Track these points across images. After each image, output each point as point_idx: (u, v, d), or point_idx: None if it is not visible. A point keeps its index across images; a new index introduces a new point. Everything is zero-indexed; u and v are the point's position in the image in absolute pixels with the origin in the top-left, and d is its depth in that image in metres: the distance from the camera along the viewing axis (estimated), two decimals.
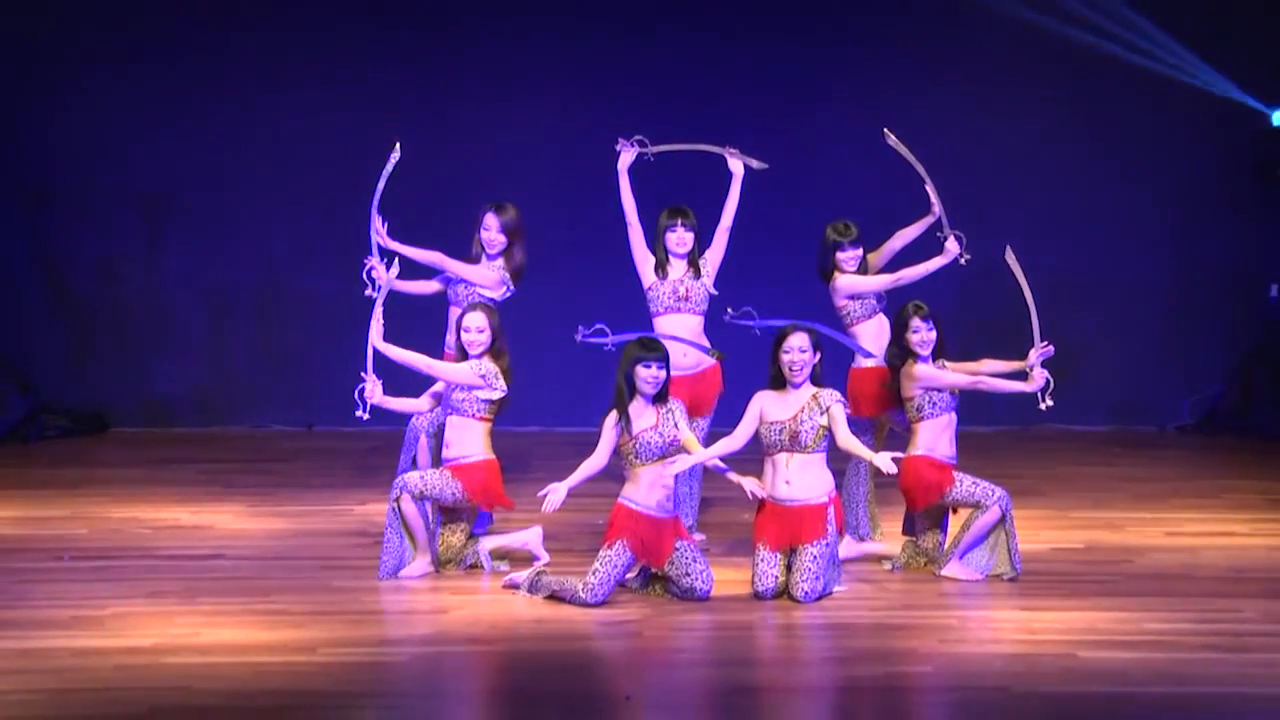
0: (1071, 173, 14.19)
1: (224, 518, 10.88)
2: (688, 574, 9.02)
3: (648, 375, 9.03)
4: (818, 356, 9.18)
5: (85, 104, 13.91)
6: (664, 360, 9.07)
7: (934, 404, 9.56)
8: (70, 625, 8.50)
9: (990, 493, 9.48)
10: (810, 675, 8.18)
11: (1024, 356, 9.55)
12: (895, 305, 9.82)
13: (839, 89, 13.91)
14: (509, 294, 10.18)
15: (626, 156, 10.20)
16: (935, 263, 10.01)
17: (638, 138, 10.20)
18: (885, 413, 9.96)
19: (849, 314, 10.06)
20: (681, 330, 10.03)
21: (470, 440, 9.54)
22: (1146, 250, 14.26)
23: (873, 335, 10.01)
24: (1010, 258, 9.65)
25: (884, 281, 10.03)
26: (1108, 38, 13.75)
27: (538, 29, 13.97)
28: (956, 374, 9.61)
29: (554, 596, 9.06)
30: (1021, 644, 8.36)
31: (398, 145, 9.82)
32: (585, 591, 8.94)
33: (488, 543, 9.73)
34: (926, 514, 9.69)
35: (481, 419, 9.54)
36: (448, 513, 9.66)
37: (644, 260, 10.18)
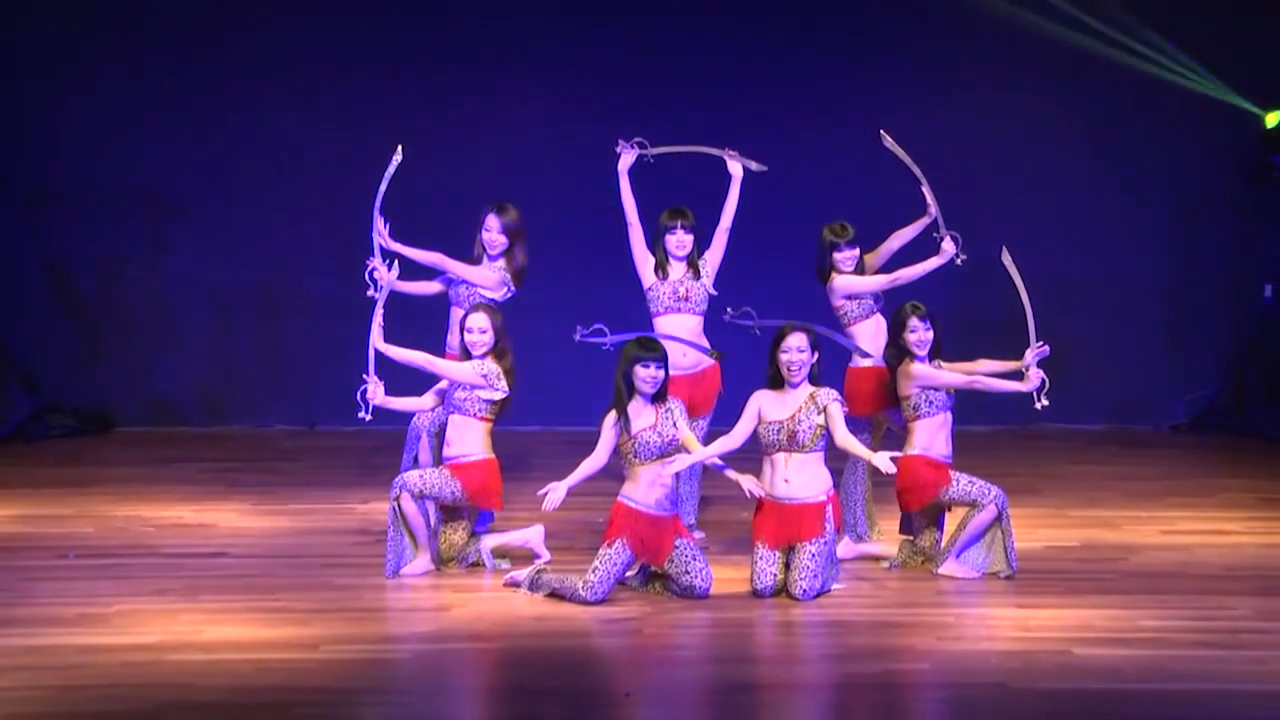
0: (1067, 174, 14.21)
1: (227, 516, 10.91)
2: (687, 572, 9.07)
3: (646, 375, 9.07)
4: (816, 356, 9.22)
5: (90, 106, 13.93)
6: (662, 360, 9.12)
7: (930, 403, 9.61)
8: (76, 623, 8.54)
9: (986, 491, 9.53)
10: (809, 672, 8.20)
11: (1020, 356, 9.60)
12: (892, 305, 9.87)
13: (837, 91, 13.92)
14: (510, 294, 10.21)
15: (627, 158, 10.24)
16: (932, 263, 10.05)
17: (638, 139, 10.25)
18: (882, 412, 10.00)
19: (846, 314, 10.11)
20: (681, 330, 10.07)
21: (470, 439, 9.58)
22: (1141, 251, 14.28)
23: (870, 335, 10.06)
24: (1006, 258, 9.70)
25: (881, 282, 10.08)
26: (1103, 40, 13.78)
27: (538, 31, 13.99)
28: (953, 373, 9.65)
29: (554, 594, 9.10)
30: (1018, 641, 8.39)
31: (399, 149, 9.85)
32: (585, 589, 8.99)
33: (489, 541, 9.76)
34: (923, 513, 9.73)
35: (482, 419, 9.59)
36: (449, 511, 9.70)
37: (644, 261, 10.22)
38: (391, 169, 9.85)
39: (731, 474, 9.07)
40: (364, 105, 13.82)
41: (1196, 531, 10.62)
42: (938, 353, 9.67)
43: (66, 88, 13.92)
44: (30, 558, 9.85)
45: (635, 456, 9.04)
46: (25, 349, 13.94)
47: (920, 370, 9.58)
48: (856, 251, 10.08)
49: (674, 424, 9.08)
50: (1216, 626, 8.62)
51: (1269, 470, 12.52)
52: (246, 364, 14.25)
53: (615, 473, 9.29)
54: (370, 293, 9.67)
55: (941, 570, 9.55)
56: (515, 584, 9.29)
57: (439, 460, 9.88)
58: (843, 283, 10.07)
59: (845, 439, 9.16)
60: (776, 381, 9.23)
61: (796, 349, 9.15)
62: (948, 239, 10.04)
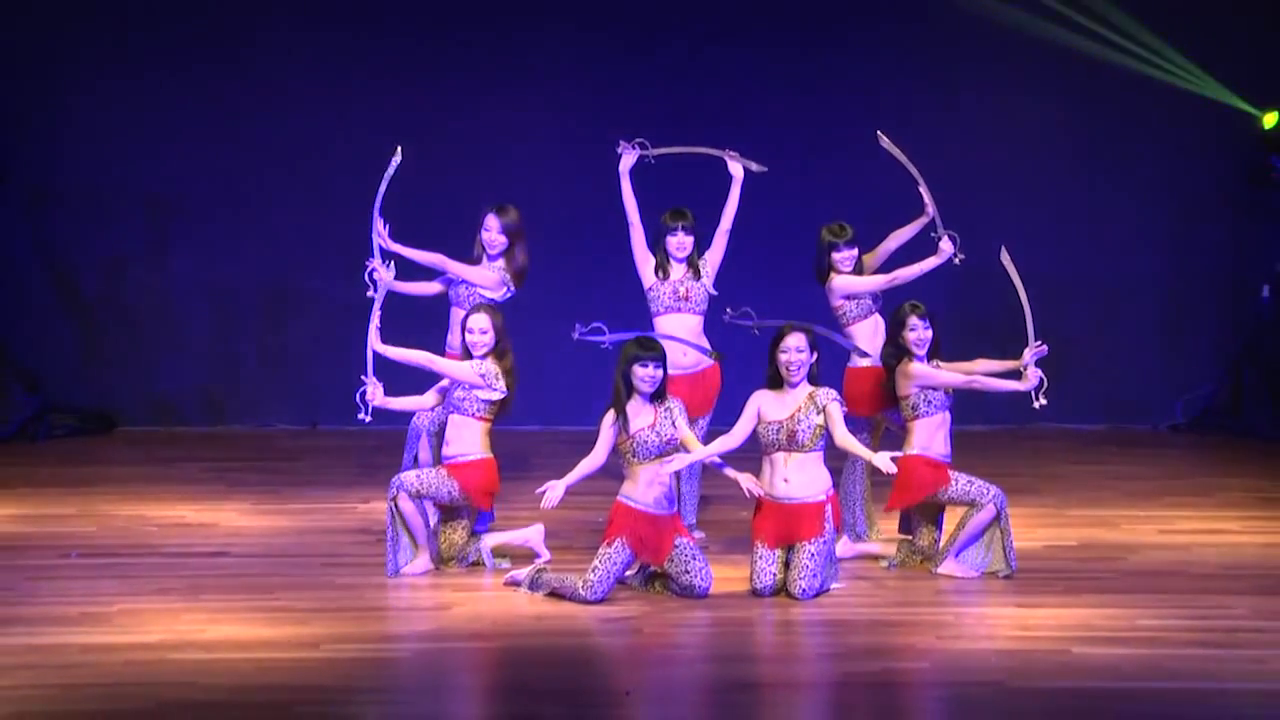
0: (1065, 174, 14.21)
1: (229, 515, 10.93)
2: (687, 571, 9.09)
3: (645, 374, 9.09)
4: (815, 356, 9.25)
5: (92, 105, 13.93)
6: (661, 360, 9.13)
7: (929, 403, 9.63)
8: (78, 622, 8.56)
9: (985, 491, 9.55)
10: (808, 671, 8.22)
11: (1018, 356, 9.63)
12: (890, 305, 9.89)
13: (836, 92, 13.93)
14: (510, 295, 10.23)
15: (628, 159, 10.25)
16: (930, 263, 10.07)
17: (639, 140, 10.27)
18: (881, 412, 10.03)
19: (845, 314, 10.13)
20: (681, 330, 10.09)
21: (469, 439, 9.60)
22: (1140, 251, 14.29)
23: (868, 335, 10.08)
24: (1005, 258, 9.72)
25: (879, 282, 10.10)
26: (1101, 41, 13.79)
27: (539, 32, 13.99)
28: (952, 373, 9.67)
29: (554, 593, 9.11)
30: (1017, 640, 8.41)
31: (399, 150, 9.87)
32: (585, 589, 9.01)
33: (489, 540, 9.79)
34: (922, 512, 9.76)
35: (481, 418, 9.60)
36: (448, 510, 9.72)
37: (644, 261, 10.24)
38: (391, 170, 9.86)
39: (730, 472, 9.09)
40: (366, 106, 13.82)
41: (1195, 531, 10.64)
42: (936, 352, 9.70)
43: (68, 87, 13.92)
44: (32, 557, 9.87)
45: (634, 456, 9.06)
46: (27, 348, 13.94)
47: (919, 369, 9.60)
48: (855, 251, 10.10)
49: (673, 423, 9.10)
50: (1215, 625, 8.63)
51: (1267, 470, 12.52)
52: (248, 364, 14.26)
53: (615, 472, 9.31)
54: (370, 293, 9.69)
55: (940, 569, 9.57)
56: (515, 583, 9.31)
57: (439, 459, 9.90)
58: (841, 283, 10.09)
59: (845, 439, 9.18)
60: (776, 381, 9.25)
61: (795, 349, 9.17)
62: (945, 238, 10.06)
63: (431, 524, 9.62)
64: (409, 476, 9.55)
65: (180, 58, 13.90)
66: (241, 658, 8.04)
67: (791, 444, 9.14)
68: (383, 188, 9.89)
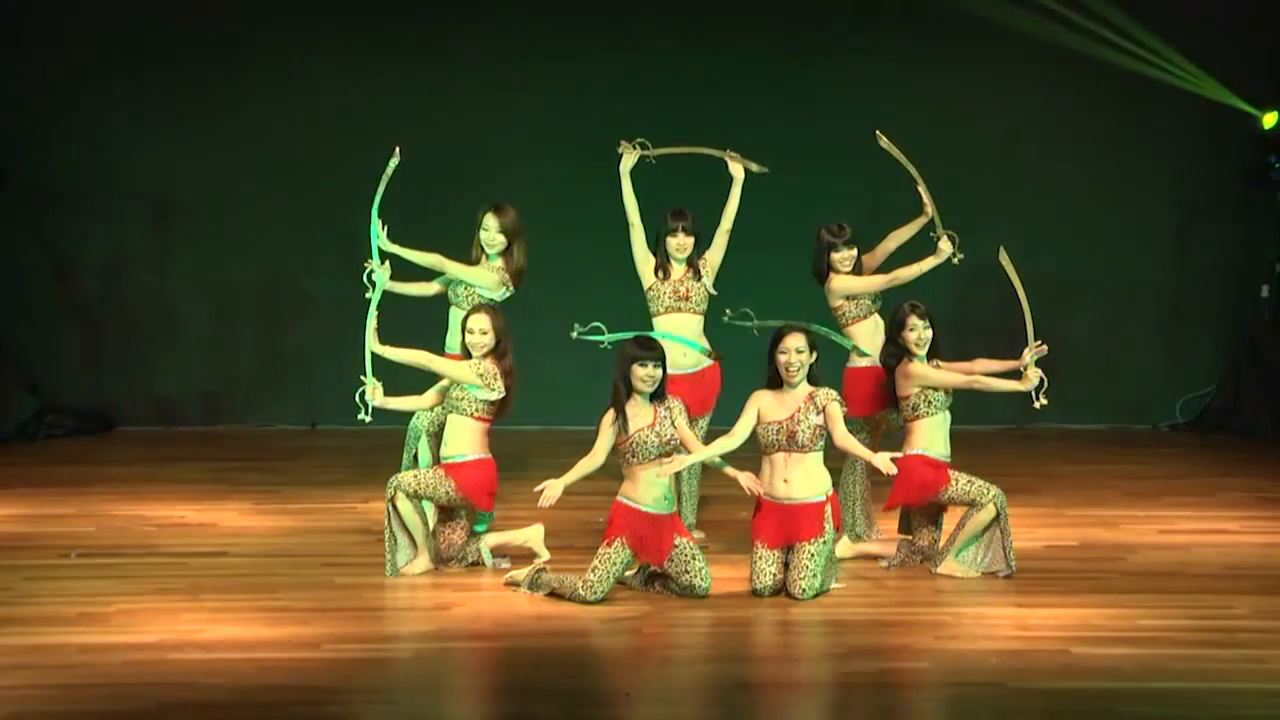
0: (1065, 174, 14.22)
1: (228, 515, 10.94)
2: (687, 571, 9.09)
3: (644, 374, 9.09)
4: (814, 356, 9.25)
5: (93, 107, 13.94)
6: (660, 359, 9.13)
7: (929, 403, 9.63)
8: (77, 622, 8.56)
9: (985, 491, 9.55)
10: (807, 671, 8.23)
11: (1018, 356, 9.63)
12: (889, 305, 9.90)
13: (835, 92, 13.94)
14: (509, 294, 10.23)
15: (629, 159, 10.26)
16: (929, 263, 10.08)
17: (640, 140, 10.28)
18: (880, 412, 10.03)
19: (844, 314, 10.13)
20: (681, 330, 10.10)
21: (466, 439, 9.60)
22: (1139, 251, 14.29)
23: (868, 335, 10.08)
24: (1003, 258, 9.73)
25: (879, 282, 10.10)
26: (1100, 41, 13.79)
27: (537, 32, 13.99)
28: (952, 373, 9.68)
29: (554, 594, 9.12)
30: (1016, 640, 8.41)
31: (397, 150, 9.87)
32: (585, 589, 9.01)
33: (489, 540, 9.79)
34: (922, 512, 9.76)
35: (479, 419, 9.60)
36: (446, 510, 9.73)
37: (645, 261, 10.24)
38: (389, 171, 9.86)
39: (731, 471, 9.09)
40: (365, 106, 13.83)
41: (1195, 531, 10.65)
42: (935, 352, 9.70)
43: (69, 88, 13.93)
44: (32, 557, 9.87)
45: (633, 456, 9.06)
46: (27, 348, 13.95)
47: (919, 369, 9.61)
48: (854, 251, 10.10)
49: (672, 423, 9.10)
50: (1215, 625, 8.64)
51: (1267, 470, 12.53)
52: (248, 364, 14.27)
53: (615, 472, 9.30)
54: (369, 294, 9.68)
55: (940, 569, 9.58)
56: (515, 583, 9.31)
57: (438, 460, 9.90)
58: (840, 283, 10.09)
59: (844, 439, 9.19)
60: (775, 382, 9.25)
61: (795, 349, 9.17)
62: (944, 238, 10.07)
63: (430, 524, 9.62)
64: (406, 477, 9.55)
65: (180, 58, 13.91)
66: (241, 658, 8.04)
67: (791, 444, 9.14)
68: (381, 188, 9.89)
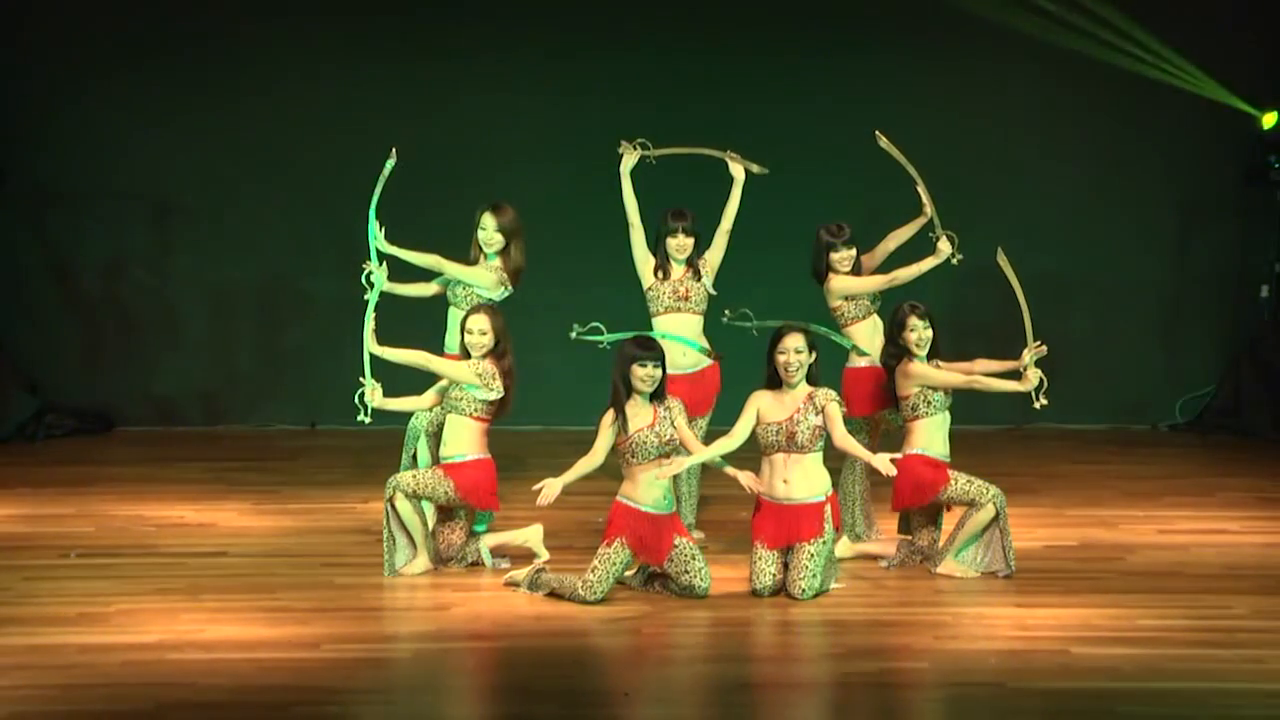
0: (1064, 175, 14.21)
1: (228, 515, 10.94)
2: (686, 571, 9.09)
3: (644, 374, 9.09)
4: (814, 357, 9.26)
5: (92, 105, 13.93)
6: (660, 359, 9.13)
7: (929, 403, 9.63)
8: (76, 622, 8.57)
9: (985, 491, 9.55)
10: (807, 671, 8.23)
11: (1016, 357, 9.64)
12: (888, 306, 9.90)
13: (834, 92, 13.94)
14: (507, 294, 10.23)
15: (629, 159, 10.26)
16: (928, 263, 10.08)
17: (640, 140, 10.28)
18: (879, 412, 10.04)
19: (843, 315, 10.14)
20: (681, 331, 10.10)
21: (465, 439, 9.60)
22: (1139, 251, 14.29)
23: (867, 335, 10.09)
24: (1001, 259, 9.73)
25: (878, 282, 10.10)
26: (1099, 42, 13.80)
27: (536, 31, 13.99)
28: (952, 373, 9.68)
29: (553, 594, 9.12)
30: (1016, 640, 8.42)
31: (394, 152, 9.87)
32: (584, 589, 9.01)
33: (488, 540, 9.79)
34: (922, 512, 9.76)
35: (478, 419, 9.60)
36: (445, 510, 9.73)
37: (645, 262, 10.23)
38: (385, 173, 9.86)
39: (731, 470, 9.09)
40: (365, 106, 13.82)
41: (1194, 531, 10.65)
42: (935, 353, 9.70)
43: (68, 88, 13.93)
44: (31, 557, 9.88)
45: (633, 456, 9.06)
46: (27, 348, 13.95)
47: (919, 369, 9.61)
48: (853, 252, 10.10)
49: (672, 423, 9.10)
50: (1214, 625, 8.65)
51: (1266, 470, 12.54)
52: (247, 364, 14.27)
53: (614, 472, 9.31)
54: (368, 296, 9.69)
55: (939, 570, 9.58)
56: (514, 583, 9.31)
57: (438, 459, 9.90)
58: (839, 283, 10.09)
59: (844, 440, 9.19)
60: (774, 382, 9.25)
61: (794, 350, 9.17)
62: (944, 239, 10.07)
63: (430, 524, 9.62)
64: (405, 477, 9.56)
65: (180, 58, 13.91)
66: (241, 658, 8.04)
67: (790, 445, 9.14)
68: (378, 190, 9.90)
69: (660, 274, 10.18)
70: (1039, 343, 9.61)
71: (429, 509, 9.64)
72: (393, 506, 9.47)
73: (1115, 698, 7.62)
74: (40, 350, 14.02)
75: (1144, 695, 7.67)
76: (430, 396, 9.77)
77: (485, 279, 10.15)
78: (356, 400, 9.44)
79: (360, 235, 10.04)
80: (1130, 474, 12.40)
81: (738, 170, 10.25)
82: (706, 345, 10.17)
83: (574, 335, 9.73)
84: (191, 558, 9.86)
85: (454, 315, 10.12)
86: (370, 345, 9.50)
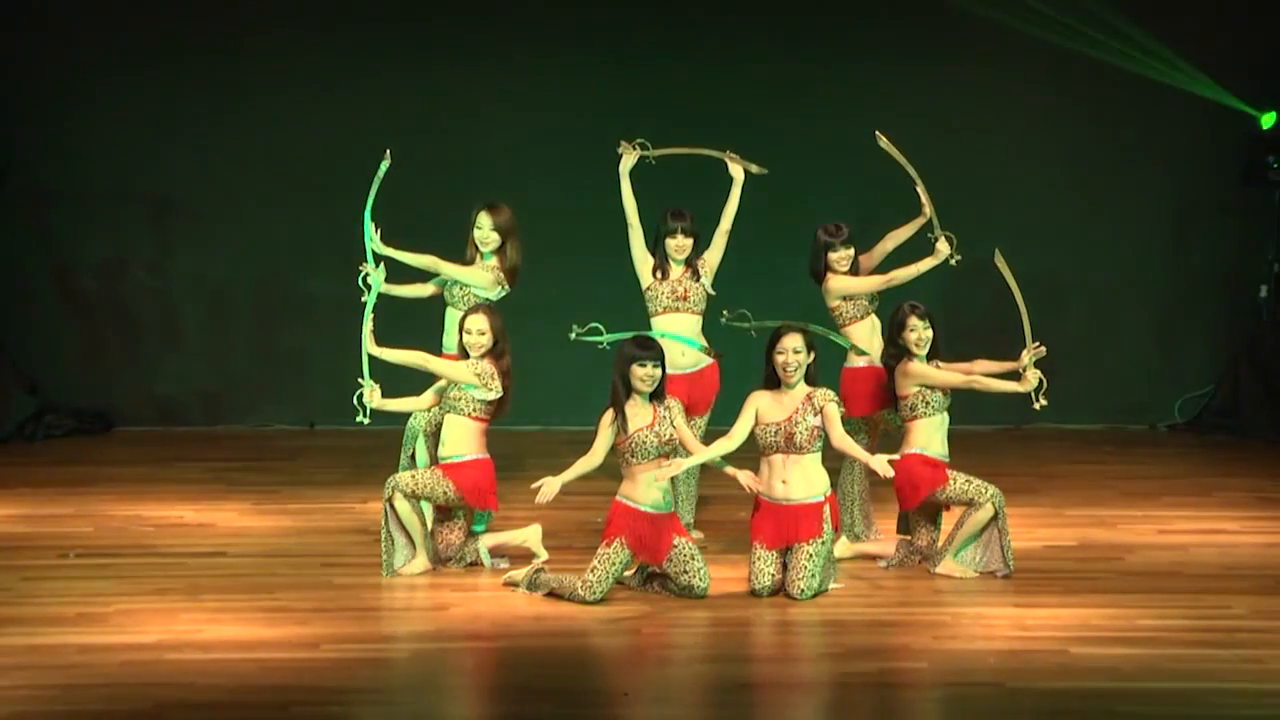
0: (1063, 175, 14.21)
1: (227, 515, 10.94)
2: (685, 571, 9.10)
3: (643, 374, 9.09)
4: (812, 357, 9.26)
5: (92, 106, 13.93)
6: (659, 359, 9.14)
7: (928, 404, 9.63)
8: (75, 622, 8.57)
9: (983, 491, 9.56)
10: (806, 671, 8.23)
11: (1015, 357, 9.64)
12: (887, 306, 9.90)
13: (833, 93, 13.94)
14: (504, 293, 10.22)
15: (628, 159, 10.26)
16: (926, 263, 10.08)
17: (639, 140, 10.28)
18: (878, 412, 10.04)
19: (841, 315, 10.14)
20: (680, 331, 10.10)
21: (464, 439, 9.59)
22: (1138, 251, 14.29)
23: (865, 336, 10.09)
24: (999, 260, 9.74)
25: (876, 282, 10.11)
26: (1098, 42, 13.80)
27: (535, 31, 14.00)
28: (951, 373, 9.69)
29: (553, 594, 9.12)
30: (1015, 640, 8.42)
31: (388, 153, 9.87)
32: (584, 589, 9.01)
33: (487, 540, 9.80)
34: (920, 512, 9.76)
35: (476, 419, 9.60)
36: (444, 510, 9.73)
37: (644, 262, 10.23)
38: (381, 174, 9.86)
39: (730, 470, 9.09)
40: (364, 106, 13.82)
41: (1193, 531, 10.66)
42: (935, 353, 9.71)
43: (69, 88, 13.93)
44: (30, 557, 9.88)
45: (632, 456, 9.06)
46: (26, 348, 13.95)
47: (919, 369, 9.61)
48: (851, 252, 10.11)
49: (671, 423, 9.10)
50: (1213, 625, 8.65)
51: (1265, 470, 12.54)
52: (246, 364, 14.27)
53: (614, 472, 9.31)
54: (365, 298, 9.69)
55: (938, 570, 9.58)
56: (513, 583, 9.31)
57: (436, 459, 9.90)
58: (838, 283, 10.10)
59: (842, 440, 9.19)
60: (773, 382, 9.25)
61: (792, 350, 9.17)
62: (942, 239, 10.08)
63: (428, 524, 9.62)
64: (404, 477, 9.55)
65: (180, 59, 13.91)
66: (240, 658, 8.05)
67: (789, 445, 9.14)
68: (373, 192, 9.90)
69: (659, 274, 10.18)
70: (1038, 344, 9.61)
71: (428, 509, 9.65)
72: (391, 506, 9.47)
73: (1114, 698, 7.62)
74: (40, 350, 14.02)
75: (1143, 695, 7.67)
76: (429, 397, 9.77)
77: (482, 278, 10.15)
78: (355, 401, 9.45)
79: (359, 236, 10.04)
80: (1129, 474, 12.40)
81: (737, 170, 10.25)
82: (706, 345, 10.16)
83: (573, 336, 9.73)
84: (191, 558, 9.86)
85: (451, 315, 10.12)
86: (368, 346, 9.50)
